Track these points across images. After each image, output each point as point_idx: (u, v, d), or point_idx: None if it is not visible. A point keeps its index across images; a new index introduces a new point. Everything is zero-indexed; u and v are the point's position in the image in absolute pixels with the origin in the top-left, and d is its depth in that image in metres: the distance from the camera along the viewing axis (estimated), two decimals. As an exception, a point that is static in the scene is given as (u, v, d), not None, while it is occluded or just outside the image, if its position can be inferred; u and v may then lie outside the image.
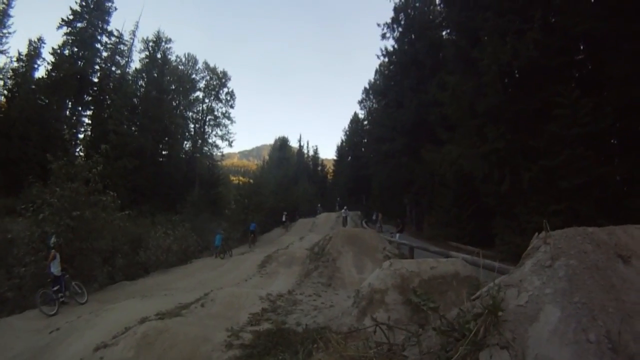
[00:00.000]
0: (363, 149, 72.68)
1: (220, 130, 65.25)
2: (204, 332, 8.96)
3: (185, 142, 63.91)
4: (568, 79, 21.72)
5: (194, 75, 65.10)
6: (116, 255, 24.68)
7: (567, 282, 3.42)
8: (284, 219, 48.83)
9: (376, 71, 62.39)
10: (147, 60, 59.20)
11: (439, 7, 43.76)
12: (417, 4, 46.87)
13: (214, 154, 66.22)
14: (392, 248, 19.57)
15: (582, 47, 23.61)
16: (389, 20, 47.43)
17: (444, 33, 40.20)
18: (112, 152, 37.91)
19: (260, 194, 47.94)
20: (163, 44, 60.70)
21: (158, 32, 60.57)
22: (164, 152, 59.36)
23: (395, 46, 48.00)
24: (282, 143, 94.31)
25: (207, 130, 65.19)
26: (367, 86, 70.94)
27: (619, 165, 21.04)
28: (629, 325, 3.20)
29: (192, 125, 64.67)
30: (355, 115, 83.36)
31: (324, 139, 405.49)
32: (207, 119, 65.04)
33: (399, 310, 6.47)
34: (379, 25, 47.64)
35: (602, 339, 3.09)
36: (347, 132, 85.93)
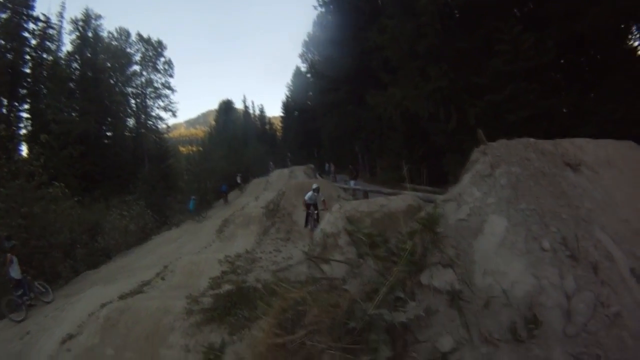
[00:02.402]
0: (309, 102, 72.05)
1: (162, 101, 62.89)
2: (165, 304, 8.89)
3: (129, 120, 61.66)
4: (509, 15, 21.76)
5: (128, 49, 62.22)
6: (75, 247, 23.74)
7: (511, 189, 3.33)
8: (238, 180, 48.48)
9: (314, 23, 61.22)
10: (78, 41, 55.77)
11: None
12: None
13: (160, 127, 64.05)
14: (347, 195, 19.67)
15: None
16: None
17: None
18: (56, 142, 36.84)
19: (211, 159, 47.32)
20: (93, 21, 57.33)
21: (86, 9, 57.31)
22: (108, 134, 57.35)
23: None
24: (227, 106, 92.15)
25: (148, 103, 62.91)
26: (307, 39, 69.90)
27: (564, 98, 21.47)
28: (587, 232, 3.14)
29: (133, 101, 62.23)
30: (298, 69, 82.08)
31: (269, 97, 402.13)
32: (148, 92, 62.82)
33: (353, 251, 6.45)
34: None
35: (558, 247, 3.03)
36: (291, 87, 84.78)
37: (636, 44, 21.19)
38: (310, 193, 14.21)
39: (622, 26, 19.54)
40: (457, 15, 23.37)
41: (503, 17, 21.29)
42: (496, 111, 21.21)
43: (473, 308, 2.96)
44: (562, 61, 22.12)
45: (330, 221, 7.44)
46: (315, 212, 13.92)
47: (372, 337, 2.84)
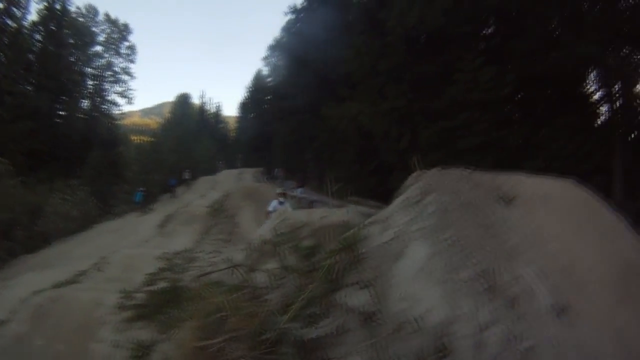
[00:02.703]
0: (266, 106, 71.94)
1: (120, 86, 60.71)
2: (99, 296, 8.71)
3: (83, 101, 59.65)
4: (472, 46, 22.46)
5: (94, 28, 60.41)
6: (15, 228, 22.99)
7: (438, 217, 3.32)
8: (187, 176, 48.07)
9: (282, 28, 61.36)
10: (45, 12, 53.50)
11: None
12: None
13: (114, 112, 62.30)
14: (293, 203, 19.87)
15: (491, 20, 24.66)
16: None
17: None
18: (7, 114, 35.96)
19: (161, 152, 46.78)
20: None
21: None
22: (60, 113, 55.43)
23: (305, 4, 47.75)
24: (184, 99, 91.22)
25: (105, 87, 60.90)
26: (273, 43, 69.97)
27: (517, 130, 22.37)
28: (510, 266, 3.13)
29: (90, 83, 60.24)
30: (259, 71, 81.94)
31: (227, 96, 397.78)
32: (106, 75, 61.00)
33: (290, 260, 6.54)
34: None
35: (476, 278, 3.03)
36: (251, 89, 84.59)
37: (590, 89, 22.34)
38: (274, 202, 11.52)
39: (580, 71, 20.43)
40: (423, 40, 23.87)
41: (467, 48, 22.02)
42: (448, 136, 21.89)
43: (385, 331, 2.97)
44: (518, 95, 23.06)
45: (269, 228, 7.56)
46: None
47: (283, 349, 2.88)
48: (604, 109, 21.91)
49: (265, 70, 76.68)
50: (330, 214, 7.90)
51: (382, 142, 26.48)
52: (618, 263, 3.77)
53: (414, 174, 4.13)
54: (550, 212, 3.76)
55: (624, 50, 19.10)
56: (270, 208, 13.30)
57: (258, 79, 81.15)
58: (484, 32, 24.92)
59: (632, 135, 19.65)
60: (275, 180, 42.49)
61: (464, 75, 21.55)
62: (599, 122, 22.02)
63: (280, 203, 11.64)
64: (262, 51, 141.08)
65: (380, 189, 27.29)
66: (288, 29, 57.55)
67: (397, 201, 3.79)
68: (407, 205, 3.56)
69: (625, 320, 3.26)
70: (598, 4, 18.96)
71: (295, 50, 46.84)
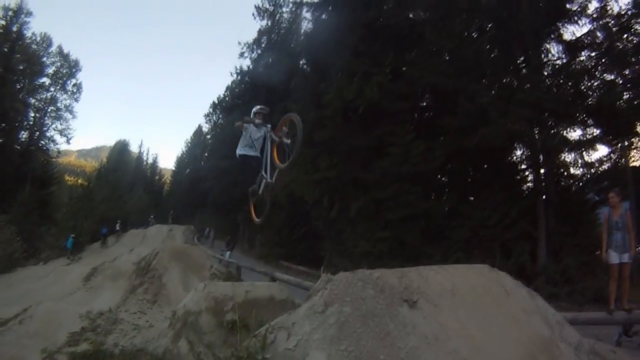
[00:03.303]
0: (203, 163, 71.61)
1: (61, 124, 58.29)
2: (20, 353, 8.49)
3: (23, 132, 56.56)
4: (405, 121, 23.48)
5: (45, 59, 58.02)
6: None
7: (337, 329, 3.44)
8: (117, 227, 47.04)
9: (227, 87, 62.00)
10: (1, 30, 52.09)
11: (302, 37, 44.71)
12: (282, 31, 47.92)
13: (51, 149, 59.52)
14: (221, 266, 19.77)
15: (425, 97, 26.39)
16: (250, 41, 48.31)
17: (300, 62, 40.95)
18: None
19: (93, 199, 45.68)
20: (22, 16, 52.77)
21: (21, 2, 53.08)
22: (-4, 139, 52.24)
23: (251, 67, 48.74)
24: (123, 147, 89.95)
25: (47, 122, 58.23)
26: (216, 101, 70.41)
27: (445, 200, 23.82)
28: None
29: (32, 115, 57.43)
30: (200, 128, 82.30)
31: (165, 148, 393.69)
32: (49, 110, 58.41)
33: (213, 333, 6.56)
34: (239, 43, 48.27)
35: None
36: (189, 144, 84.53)
37: (516, 159, 23.82)
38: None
39: (507, 145, 21.70)
40: (359, 114, 24.58)
41: (400, 122, 23.05)
42: (377, 207, 22.63)
43: None
44: (447, 167, 24.30)
45: (193, 299, 7.46)
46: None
47: None
48: (529, 178, 23.43)
49: (206, 127, 76.94)
50: (254, 288, 8.15)
51: (314, 209, 26.96)
52: (527, 342, 4.17)
53: (323, 279, 4.23)
54: (457, 307, 4.07)
55: (549, 124, 20.66)
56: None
57: (197, 135, 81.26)
58: (417, 107, 26.26)
59: (554, 202, 20.78)
60: (206, 240, 42.13)
61: (395, 148, 22.47)
62: (524, 191, 23.27)
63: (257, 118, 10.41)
64: (206, 107, 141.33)
65: (309, 255, 27.63)
66: (232, 89, 58.42)
67: (304, 307, 3.92)
68: (312, 314, 3.69)
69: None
70: (526, 84, 20.52)
71: (237, 110, 47.37)
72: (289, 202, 30.15)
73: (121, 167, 79.87)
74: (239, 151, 8.32)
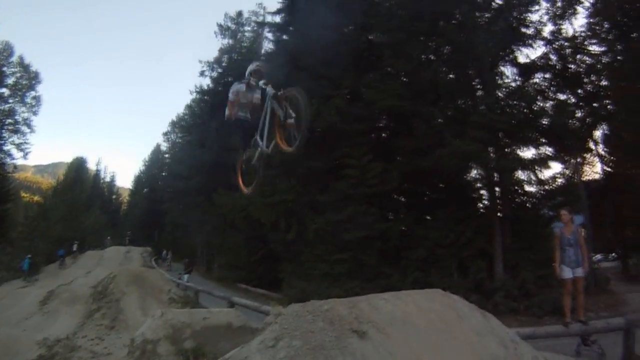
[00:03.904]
0: (160, 182, 70.71)
1: (18, 138, 56.15)
2: None
3: None
4: (362, 143, 23.56)
5: (5, 68, 55.95)
6: None
7: None
8: (74, 248, 45.98)
9: (186, 106, 61.53)
10: None
11: (262, 58, 44.66)
12: (244, 50, 47.81)
13: (7, 163, 57.07)
14: (179, 290, 19.43)
15: (381, 119, 26.56)
16: (211, 59, 47.97)
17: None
18: None
19: (49, 219, 44.49)
20: None
21: None
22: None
23: (211, 85, 48.19)
24: (80, 164, 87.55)
25: (3, 135, 56.02)
26: (175, 119, 69.83)
27: (402, 220, 23.99)
28: None
29: None
30: (158, 147, 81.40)
31: (123, 167, 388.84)
32: (6, 122, 56.19)
33: None
34: (200, 62, 47.80)
35: None
36: (147, 163, 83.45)
37: (471, 179, 24.30)
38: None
39: (462, 165, 21.96)
40: (317, 136, 24.61)
41: (357, 144, 23.14)
42: (334, 229, 22.50)
43: None
44: (403, 187, 24.65)
45: (151, 327, 7.36)
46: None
47: None
48: (484, 196, 23.95)
49: (165, 146, 76.13)
50: (211, 315, 7.98)
51: (271, 232, 26.78)
52: None
53: (273, 312, 4.26)
54: (409, 334, 4.09)
55: (503, 144, 21.08)
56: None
57: (156, 154, 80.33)
58: (374, 129, 26.49)
59: (509, 219, 21.18)
60: (163, 263, 41.52)
61: (352, 170, 22.60)
62: (479, 209, 23.88)
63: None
64: (164, 126, 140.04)
65: (268, 277, 27.43)
66: (192, 108, 57.96)
67: (256, 341, 3.91)
68: (263, 348, 3.68)
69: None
70: (481, 106, 20.82)
71: (196, 130, 47.11)
72: (247, 224, 29.91)
73: (78, 185, 78.18)
74: (227, 117, 7.29)
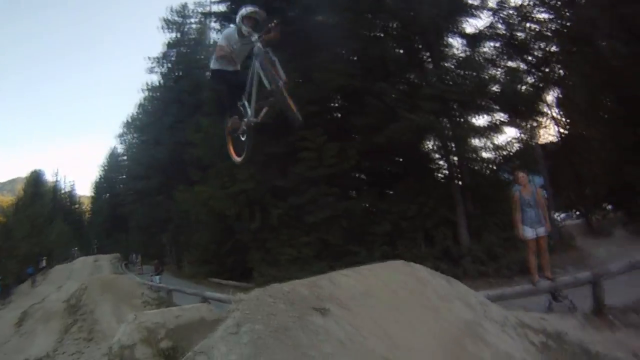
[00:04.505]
0: (121, 186, 69.42)
1: None
2: None
3: None
4: (316, 125, 23.20)
5: None
6: None
7: (252, 347, 3.40)
8: (42, 264, 45.16)
9: (139, 105, 60.34)
10: None
11: (210, 49, 43.89)
12: (192, 43, 47.22)
13: None
14: (151, 292, 19.26)
15: (335, 99, 26.59)
16: (159, 55, 47.37)
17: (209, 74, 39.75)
18: None
19: (13, 237, 43.54)
20: None
21: None
22: None
23: (161, 82, 47.71)
24: (37, 177, 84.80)
25: None
26: (129, 120, 68.40)
27: (364, 197, 24.33)
28: None
29: None
30: (114, 149, 79.41)
31: (83, 174, 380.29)
32: None
33: None
34: (149, 58, 47.19)
35: None
36: (105, 167, 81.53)
37: (428, 150, 24.51)
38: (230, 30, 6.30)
39: (418, 137, 22.16)
40: (271, 122, 24.38)
41: (312, 126, 22.80)
42: (298, 213, 22.80)
43: None
44: (363, 165, 24.63)
45: (126, 332, 7.26)
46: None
47: None
48: (443, 166, 24.24)
49: (120, 149, 74.72)
50: (183, 312, 7.92)
51: (235, 223, 26.73)
52: (450, 328, 4.33)
53: (234, 299, 4.18)
54: (372, 307, 4.18)
55: (456, 114, 21.35)
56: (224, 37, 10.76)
57: (112, 157, 78.70)
58: (328, 110, 26.35)
59: (470, 186, 21.74)
60: (134, 266, 41.08)
61: (309, 153, 22.74)
62: (440, 179, 24.18)
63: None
64: (118, 128, 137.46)
65: (239, 268, 27.34)
66: (144, 106, 56.99)
67: (220, 330, 3.81)
68: (227, 336, 3.62)
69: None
70: (431, 79, 20.89)
71: (150, 128, 46.43)
72: (211, 218, 29.72)
73: (38, 199, 76.40)
74: (213, 65, 6.41)
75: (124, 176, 68.83)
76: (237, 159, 6.82)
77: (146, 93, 51.23)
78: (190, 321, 7.55)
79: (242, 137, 6.45)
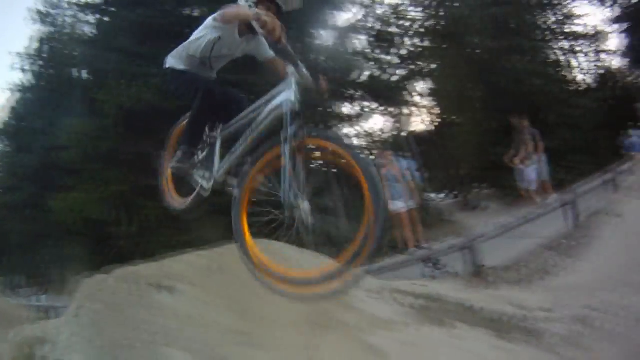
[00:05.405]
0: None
1: None
2: None
3: None
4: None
5: None
6: None
7: (92, 327, 3.42)
8: None
9: (11, 109, 55.96)
10: None
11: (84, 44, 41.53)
12: (66, 37, 44.09)
13: None
14: (39, 313, 18.28)
15: None
16: (31, 51, 44.15)
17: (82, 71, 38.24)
18: None
19: None
20: None
21: None
22: None
23: (34, 82, 44.55)
24: None
25: None
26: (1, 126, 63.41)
27: None
28: (163, 353, 3.31)
29: None
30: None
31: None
32: None
33: None
34: (19, 54, 43.61)
35: None
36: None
37: None
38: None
39: None
40: (142, 119, 23.38)
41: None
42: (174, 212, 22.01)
43: None
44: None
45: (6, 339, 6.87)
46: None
47: None
48: None
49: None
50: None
51: (115, 229, 25.73)
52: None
53: (79, 283, 4.21)
54: (226, 283, 4.15)
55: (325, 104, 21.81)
56: None
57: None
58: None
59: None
60: (20, 290, 38.88)
61: (182, 146, 22.04)
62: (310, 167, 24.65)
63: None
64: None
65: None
66: (16, 109, 53.29)
67: (64, 316, 3.93)
68: (70, 319, 3.64)
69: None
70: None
71: (21, 133, 43.50)
72: (88, 227, 27.91)
73: None
74: (171, 61, 4.64)
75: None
76: (176, 204, 4.81)
77: (20, 94, 47.64)
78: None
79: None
